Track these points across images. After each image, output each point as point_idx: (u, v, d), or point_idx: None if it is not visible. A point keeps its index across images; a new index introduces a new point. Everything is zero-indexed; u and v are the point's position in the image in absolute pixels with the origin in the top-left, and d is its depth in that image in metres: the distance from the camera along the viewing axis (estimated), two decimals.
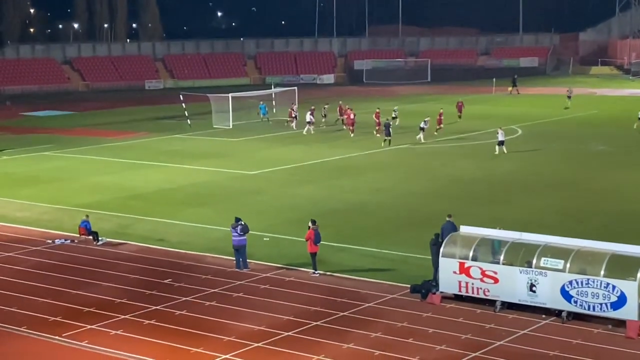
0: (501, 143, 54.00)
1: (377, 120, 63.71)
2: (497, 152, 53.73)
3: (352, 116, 63.62)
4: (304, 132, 64.51)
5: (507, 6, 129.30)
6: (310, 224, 29.68)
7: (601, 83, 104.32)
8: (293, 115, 68.93)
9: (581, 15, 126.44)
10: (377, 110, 65.23)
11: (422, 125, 60.36)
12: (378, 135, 61.03)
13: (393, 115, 68.79)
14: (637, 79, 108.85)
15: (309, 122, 64.92)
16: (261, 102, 73.53)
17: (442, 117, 63.96)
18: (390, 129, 58.67)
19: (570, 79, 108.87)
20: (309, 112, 65.64)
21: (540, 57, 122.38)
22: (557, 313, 24.93)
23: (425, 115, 63.06)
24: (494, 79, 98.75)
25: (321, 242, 29.57)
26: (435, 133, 61.99)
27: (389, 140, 57.80)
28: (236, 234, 30.04)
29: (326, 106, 70.04)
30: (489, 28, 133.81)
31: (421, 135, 59.78)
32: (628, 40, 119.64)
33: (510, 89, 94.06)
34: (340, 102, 73.00)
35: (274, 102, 77.16)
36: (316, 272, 29.56)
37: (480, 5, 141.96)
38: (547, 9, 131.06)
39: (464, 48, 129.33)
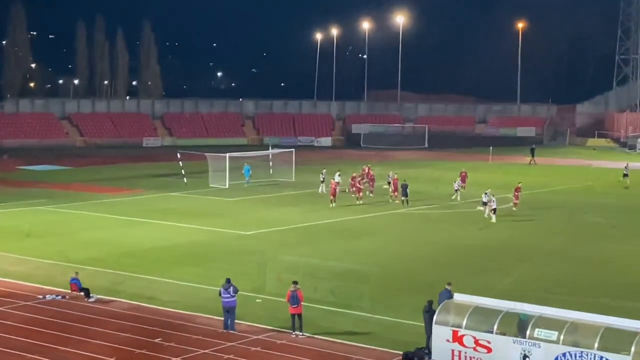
0: (484, 203, 54.45)
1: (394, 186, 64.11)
2: (485, 215, 53.93)
3: (358, 183, 63.35)
4: (319, 191, 65.40)
5: (505, 76, 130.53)
6: (292, 285, 29.63)
7: (598, 155, 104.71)
8: (322, 179, 68.21)
9: (579, 87, 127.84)
10: (367, 167, 68.39)
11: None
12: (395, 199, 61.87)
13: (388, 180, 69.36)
14: (633, 152, 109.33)
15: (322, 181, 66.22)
16: (246, 164, 72.65)
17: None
18: (408, 190, 59.47)
19: (566, 149, 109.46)
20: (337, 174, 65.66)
21: (537, 127, 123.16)
22: None
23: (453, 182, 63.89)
24: (491, 147, 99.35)
25: (308, 304, 29.29)
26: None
27: (407, 201, 59.01)
28: (227, 294, 29.82)
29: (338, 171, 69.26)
30: (487, 96, 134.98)
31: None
32: (625, 114, 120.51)
33: (529, 159, 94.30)
34: (367, 165, 72.17)
35: (270, 162, 77.17)
36: (295, 333, 29.18)
37: (478, 73, 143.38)
38: (545, 80, 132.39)
39: (461, 115, 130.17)
